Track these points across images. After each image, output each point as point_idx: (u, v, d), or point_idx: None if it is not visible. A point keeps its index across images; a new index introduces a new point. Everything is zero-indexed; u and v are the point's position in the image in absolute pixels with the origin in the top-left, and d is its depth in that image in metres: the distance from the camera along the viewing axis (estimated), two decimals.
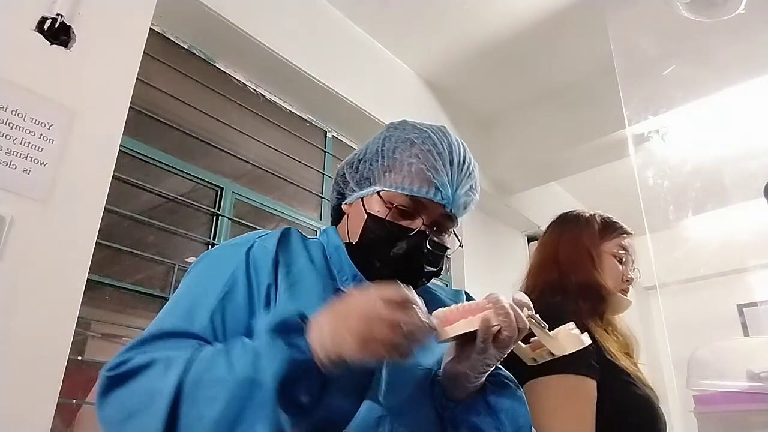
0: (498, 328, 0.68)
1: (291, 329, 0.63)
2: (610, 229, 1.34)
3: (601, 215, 1.36)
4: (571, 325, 0.77)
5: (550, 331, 0.76)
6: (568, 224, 1.36)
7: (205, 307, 0.71)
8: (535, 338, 0.78)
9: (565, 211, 1.41)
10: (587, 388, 1.05)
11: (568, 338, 0.76)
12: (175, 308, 0.73)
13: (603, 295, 1.24)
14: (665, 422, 1.14)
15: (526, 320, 0.72)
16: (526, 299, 0.74)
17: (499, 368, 0.80)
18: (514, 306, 0.71)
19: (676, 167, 2.39)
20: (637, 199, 2.12)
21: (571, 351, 0.76)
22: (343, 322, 0.61)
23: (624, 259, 1.32)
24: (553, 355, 0.77)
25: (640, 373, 1.19)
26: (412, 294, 0.63)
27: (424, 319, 0.62)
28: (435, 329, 0.66)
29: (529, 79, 2.89)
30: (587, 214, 1.36)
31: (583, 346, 0.76)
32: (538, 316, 0.75)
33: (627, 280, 1.31)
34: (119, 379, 0.63)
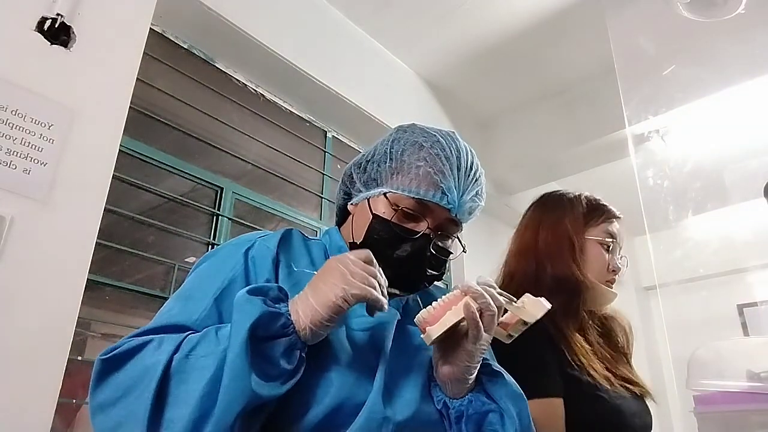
0: (479, 310, 0.73)
1: (269, 293, 0.66)
2: (596, 212, 1.23)
3: (587, 197, 1.25)
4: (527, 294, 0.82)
5: (515, 302, 0.81)
6: (550, 207, 1.26)
7: (202, 304, 0.71)
8: (504, 316, 0.82)
9: (548, 192, 1.31)
10: (554, 408, 1.02)
11: (534, 305, 0.81)
12: (173, 306, 0.73)
13: (580, 289, 1.15)
14: (643, 429, 1.12)
15: (499, 298, 0.76)
16: (490, 280, 0.78)
17: (485, 357, 0.80)
18: (486, 287, 0.75)
19: (676, 167, 2.39)
20: (637, 199, 2.12)
21: (541, 315, 0.80)
22: (324, 278, 0.68)
23: (611, 247, 1.21)
24: (526, 324, 0.81)
25: (615, 376, 1.13)
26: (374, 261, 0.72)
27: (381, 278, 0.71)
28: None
29: (529, 79, 2.89)
30: (571, 195, 1.25)
31: (549, 308, 0.81)
32: (503, 291, 0.79)
33: (613, 270, 1.20)
34: (113, 361, 0.63)
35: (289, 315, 0.65)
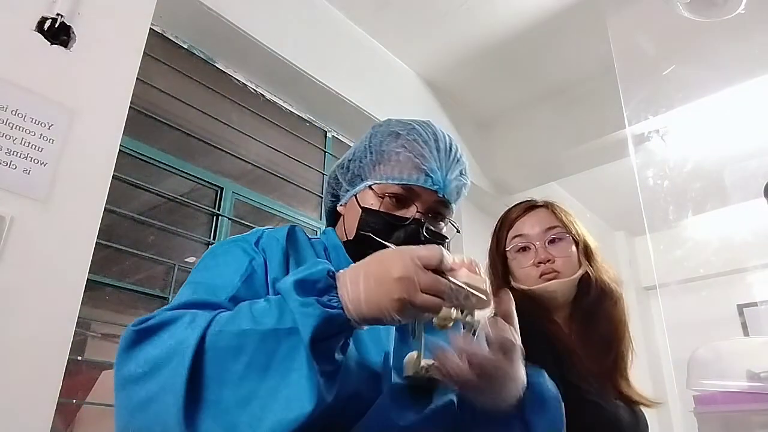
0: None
1: (317, 284, 0.61)
2: (502, 226, 1.25)
3: (505, 210, 1.26)
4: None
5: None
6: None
7: (229, 286, 0.70)
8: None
9: None
10: None
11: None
12: (197, 286, 0.72)
13: (527, 303, 1.11)
14: None
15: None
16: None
17: (540, 373, 0.76)
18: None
19: (676, 167, 2.39)
20: (637, 199, 2.13)
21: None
22: (379, 284, 0.59)
23: (525, 246, 1.19)
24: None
25: (614, 384, 1.13)
26: (446, 254, 0.61)
27: (461, 284, 0.61)
28: (469, 297, 0.61)
29: (529, 79, 2.89)
30: (498, 218, 1.27)
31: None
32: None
33: (539, 263, 1.16)
34: (145, 332, 0.61)
35: (342, 308, 0.60)
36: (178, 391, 0.55)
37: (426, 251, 0.60)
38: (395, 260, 0.60)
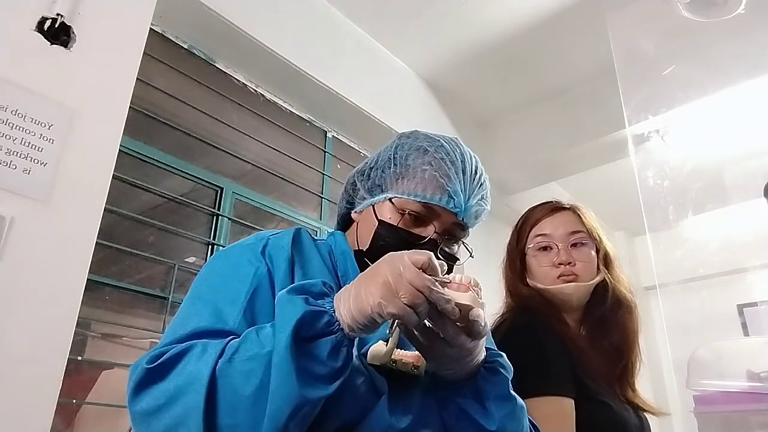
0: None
1: (311, 290, 0.64)
2: (525, 224, 1.26)
3: (529, 208, 1.28)
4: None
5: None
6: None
7: (237, 306, 0.70)
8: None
9: None
10: (565, 408, 1.02)
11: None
12: (201, 307, 0.71)
13: (538, 301, 1.15)
14: None
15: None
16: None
17: (500, 354, 0.77)
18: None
19: (676, 167, 2.39)
20: (637, 199, 2.12)
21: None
22: (369, 279, 0.62)
23: (547, 246, 1.20)
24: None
25: (621, 390, 1.14)
26: (434, 260, 0.63)
27: (443, 293, 0.62)
28: (450, 302, 0.63)
29: (529, 79, 2.89)
30: (521, 216, 1.29)
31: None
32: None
33: (560, 264, 1.17)
34: (159, 369, 0.62)
35: (333, 311, 0.62)
36: (197, 420, 0.57)
37: (416, 253, 0.63)
38: (385, 258, 0.64)
